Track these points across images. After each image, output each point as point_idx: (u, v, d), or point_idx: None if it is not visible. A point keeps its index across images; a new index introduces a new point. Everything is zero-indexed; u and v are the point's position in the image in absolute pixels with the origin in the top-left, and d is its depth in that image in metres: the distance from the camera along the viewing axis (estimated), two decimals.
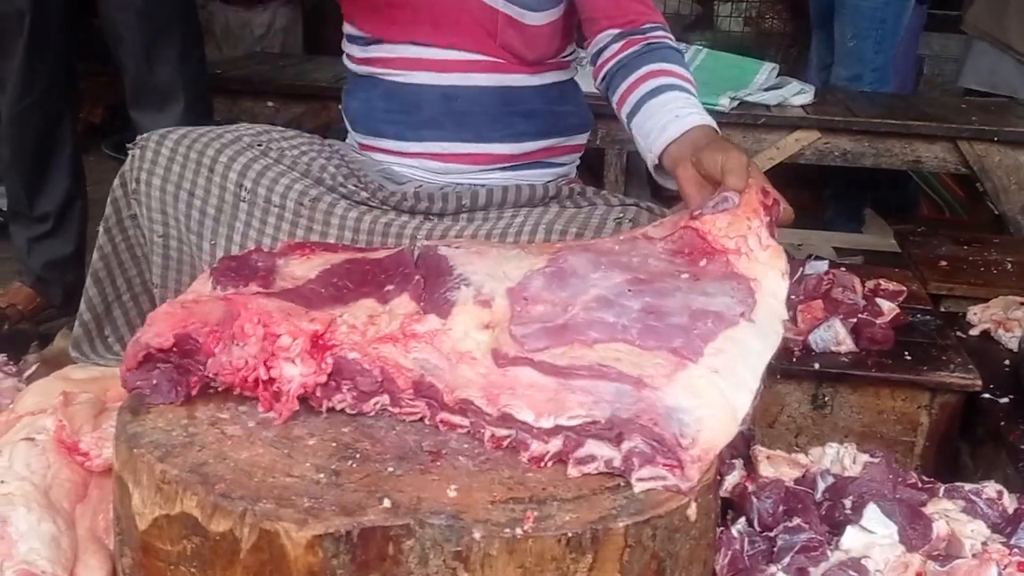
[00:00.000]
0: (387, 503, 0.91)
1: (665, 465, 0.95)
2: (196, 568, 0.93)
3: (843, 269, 2.05)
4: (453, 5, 1.59)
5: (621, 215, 1.53)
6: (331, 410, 1.06)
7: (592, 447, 0.97)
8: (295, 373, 1.03)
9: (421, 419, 1.06)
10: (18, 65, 2.28)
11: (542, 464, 0.99)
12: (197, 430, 1.02)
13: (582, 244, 1.27)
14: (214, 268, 1.20)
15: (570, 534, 0.90)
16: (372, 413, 1.06)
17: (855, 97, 3.21)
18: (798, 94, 2.96)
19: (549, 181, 1.71)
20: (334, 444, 1.01)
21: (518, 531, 0.89)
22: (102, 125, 4.06)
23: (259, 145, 1.62)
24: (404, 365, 1.05)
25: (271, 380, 1.03)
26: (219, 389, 1.07)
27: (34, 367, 1.87)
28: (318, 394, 1.04)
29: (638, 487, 0.95)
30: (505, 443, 1.01)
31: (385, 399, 1.05)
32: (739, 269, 1.13)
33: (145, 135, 1.63)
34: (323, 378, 1.03)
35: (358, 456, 0.99)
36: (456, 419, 1.04)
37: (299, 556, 0.88)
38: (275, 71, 3.28)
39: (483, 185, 1.64)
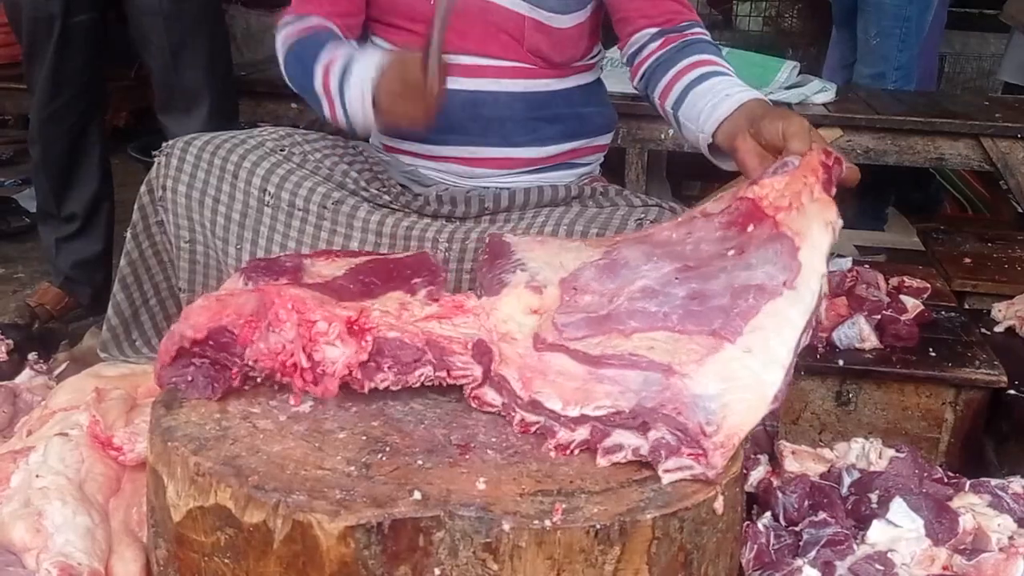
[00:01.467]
0: (417, 495, 0.93)
1: (690, 455, 0.96)
2: (230, 559, 0.95)
3: (867, 266, 2.05)
4: (479, 15, 1.58)
5: (643, 215, 1.53)
6: (373, 391, 1.07)
7: (619, 436, 0.98)
8: (337, 354, 1.04)
9: (461, 389, 1.08)
10: (48, 69, 2.31)
11: (568, 452, 1.00)
12: (230, 424, 1.03)
13: (641, 235, 1.28)
14: (244, 268, 1.22)
15: (598, 526, 0.91)
16: (417, 385, 1.07)
17: (877, 95, 3.19)
18: (820, 92, 2.95)
19: (572, 181, 1.71)
20: (364, 437, 1.02)
21: (547, 523, 0.90)
22: (126, 128, 4.10)
23: (282, 150, 1.64)
24: (454, 336, 1.07)
25: (314, 364, 1.04)
26: (258, 380, 1.09)
27: (64, 365, 1.89)
28: (359, 376, 1.05)
29: (665, 478, 0.96)
30: (533, 429, 1.03)
31: (428, 370, 1.06)
32: (784, 227, 1.13)
33: (170, 143, 1.65)
34: (364, 356, 1.05)
35: (388, 449, 1.01)
36: (490, 396, 1.06)
37: (331, 547, 0.90)
38: None
39: (508, 188, 1.65)
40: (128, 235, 1.70)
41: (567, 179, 1.71)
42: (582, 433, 0.99)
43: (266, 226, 1.60)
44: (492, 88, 1.62)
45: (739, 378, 0.98)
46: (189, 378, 1.07)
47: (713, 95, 1.44)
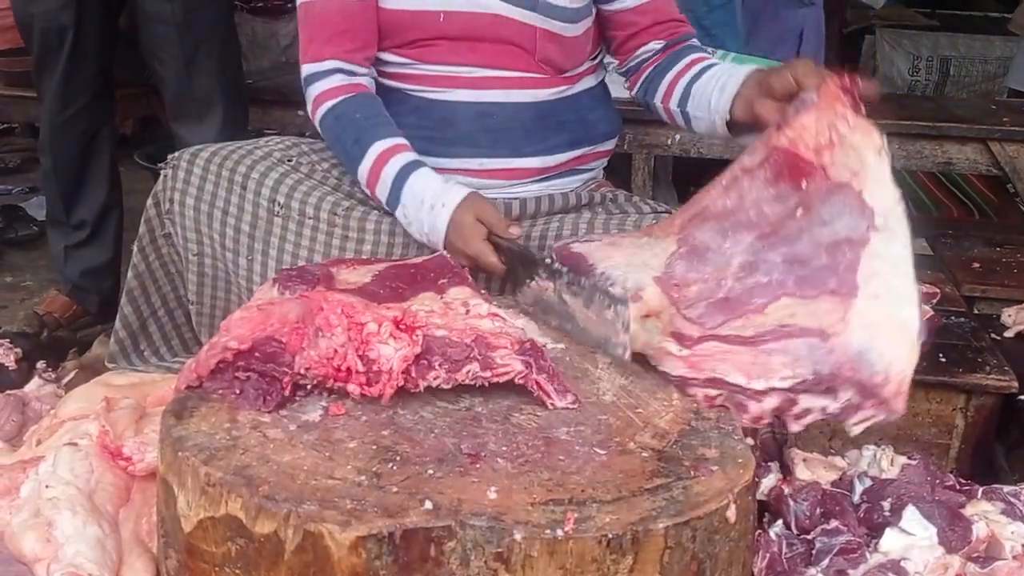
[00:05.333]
0: (428, 505, 0.92)
1: (872, 406, 1.01)
2: (241, 569, 0.95)
3: None
4: (489, 30, 1.57)
5: (653, 223, 1.53)
6: (428, 389, 1.09)
7: (806, 401, 1.03)
8: (391, 352, 1.06)
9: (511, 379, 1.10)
10: (59, 79, 2.32)
11: (760, 423, 1.06)
12: (240, 433, 1.03)
13: (696, 210, 1.29)
14: (276, 277, 1.23)
15: (611, 535, 0.91)
16: (465, 382, 1.09)
17: (885, 99, 3.18)
18: None
19: (578, 188, 1.71)
20: (374, 447, 1.02)
21: (559, 532, 0.90)
22: (132, 137, 4.11)
23: (289, 160, 1.64)
24: (503, 332, 1.11)
25: (368, 365, 1.06)
26: (308, 387, 1.10)
27: (73, 373, 1.90)
28: (413, 374, 1.07)
29: (855, 430, 1.03)
30: (717, 401, 1.09)
31: (476, 367, 1.08)
32: (837, 174, 1.14)
33: (175, 155, 1.65)
34: (418, 349, 1.06)
35: (398, 458, 1.00)
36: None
37: (343, 557, 0.89)
38: None
39: (515, 198, 1.64)
40: (135, 248, 1.70)
41: (573, 185, 1.71)
42: (771, 402, 1.05)
43: (277, 236, 1.60)
44: (500, 99, 1.61)
45: (882, 325, 1.03)
46: (238, 390, 1.07)
47: (716, 80, 1.52)
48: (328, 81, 1.58)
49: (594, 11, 1.64)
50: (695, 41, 1.67)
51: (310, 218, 1.59)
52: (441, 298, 1.19)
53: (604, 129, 1.75)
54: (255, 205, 1.59)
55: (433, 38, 1.58)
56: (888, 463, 1.31)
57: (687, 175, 3.69)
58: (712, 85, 1.52)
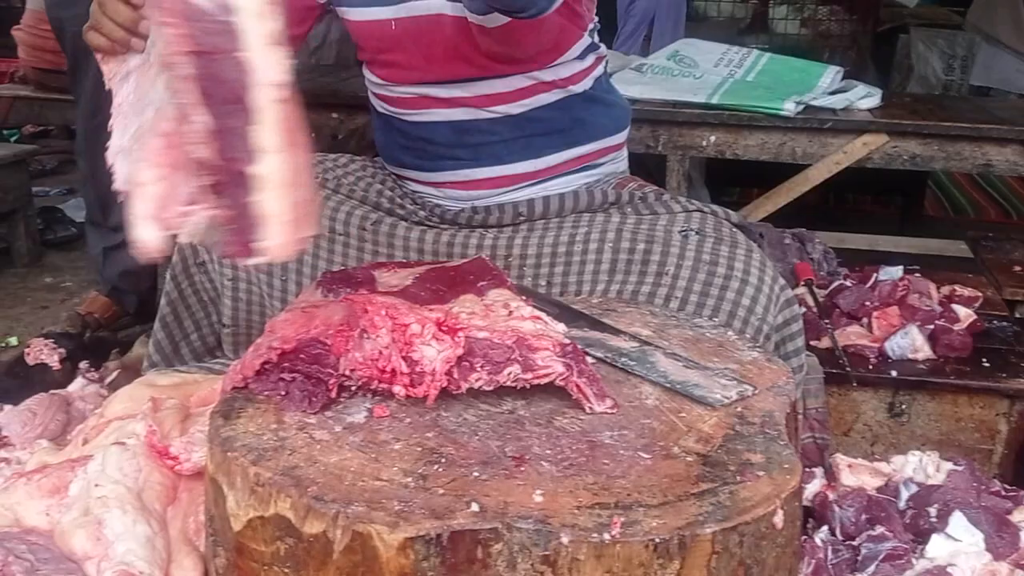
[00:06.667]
0: (475, 507, 0.92)
1: None
2: (290, 569, 0.95)
3: (918, 275, 2.02)
4: (436, 32, 1.55)
5: (685, 224, 1.52)
6: (470, 392, 1.10)
7: None
8: (434, 353, 1.06)
9: (552, 382, 1.10)
10: (92, 82, 2.35)
11: None
12: (287, 434, 1.04)
13: None
14: (319, 280, 1.24)
15: (658, 540, 0.90)
16: (507, 383, 1.10)
17: (923, 100, 3.16)
18: (865, 97, 2.92)
19: (595, 184, 1.69)
20: (419, 449, 1.02)
21: (606, 536, 0.90)
22: None
23: (315, 177, 1.65)
24: (545, 334, 1.11)
25: (413, 364, 1.07)
26: (352, 389, 1.10)
27: (115, 373, 1.92)
28: (455, 376, 1.07)
29: None
30: None
31: (516, 369, 1.08)
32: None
33: None
34: (460, 351, 1.07)
35: (443, 460, 1.00)
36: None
37: (391, 558, 0.90)
38: (338, 83, 3.33)
39: (511, 203, 1.63)
40: (167, 276, 1.70)
41: (579, 183, 1.68)
42: None
43: (310, 254, 1.61)
44: (474, 116, 1.60)
45: None
46: (284, 391, 1.08)
47: None
48: None
49: None
50: None
51: (341, 234, 1.60)
52: (481, 300, 1.19)
53: (604, 125, 1.71)
54: None
55: (390, 48, 1.60)
56: (934, 469, 1.30)
57: (720, 176, 3.68)
58: None
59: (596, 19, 1.71)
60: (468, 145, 1.61)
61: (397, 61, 1.61)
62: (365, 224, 1.60)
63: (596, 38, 1.71)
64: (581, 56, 1.66)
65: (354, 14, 1.61)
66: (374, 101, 1.73)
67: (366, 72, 1.72)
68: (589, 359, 1.15)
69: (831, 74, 3.00)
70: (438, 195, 1.68)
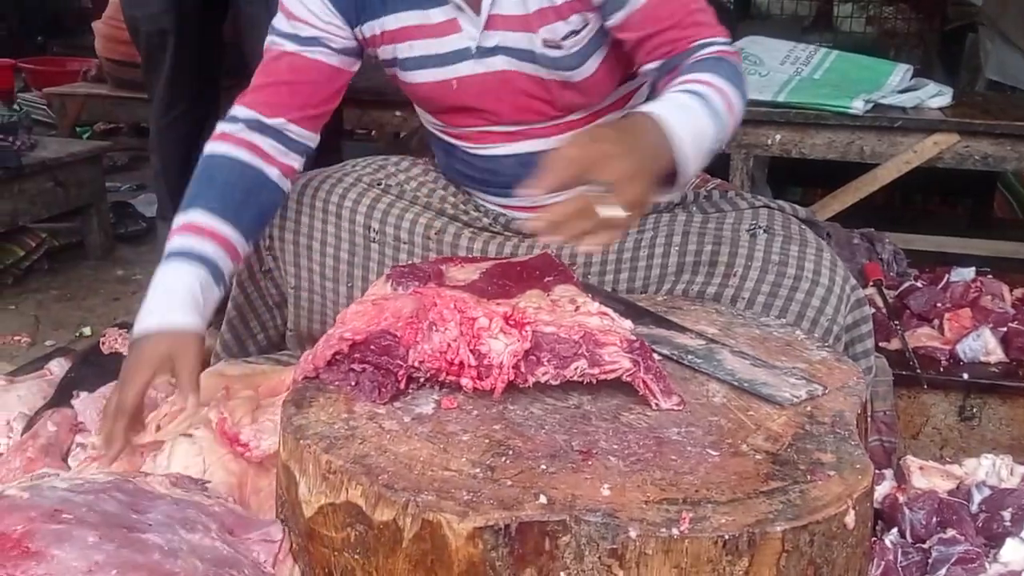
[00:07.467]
0: (543, 499, 0.93)
1: None
2: (359, 555, 0.97)
3: (990, 276, 1.98)
4: (503, 88, 1.49)
5: (753, 222, 1.50)
6: (536, 386, 1.10)
7: None
8: (501, 346, 1.07)
9: (618, 378, 1.10)
10: (164, 81, 2.41)
11: None
12: (357, 424, 1.06)
13: None
14: (389, 274, 1.26)
15: (727, 536, 0.90)
16: (573, 378, 1.10)
17: (995, 99, 3.08)
18: (935, 96, 2.86)
19: None
20: (487, 441, 1.03)
21: (674, 531, 0.90)
22: None
23: (379, 184, 1.64)
24: (612, 329, 1.11)
25: (480, 357, 1.08)
26: (420, 380, 1.12)
27: None
28: (522, 369, 1.08)
29: None
30: None
31: (583, 364, 1.09)
32: None
33: None
34: (527, 345, 1.08)
35: (511, 453, 1.01)
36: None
37: (460, 547, 0.91)
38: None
39: None
40: (234, 282, 1.68)
41: None
42: None
43: (375, 261, 1.61)
44: (540, 148, 1.51)
45: None
46: (354, 381, 1.11)
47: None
48: (222, 125, 1.52)
49: (606, 42, 1.46)
50: (703, 54, 1.36)
51: (405, 243, 1.60)
52: (548, 295, 1.20)
53: None
54: (351, 233, 1.60)
55: (454, 105, 1.54)
56: (1007, 472, 1.27)
57: (783, 175, 3.64)
58: None
59: None
60: (534, 175, 1.58)
61: (459, 111, 1.55)
62: (429, 232, 1.60)
63: None
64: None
65: (410, 77, 1.53)
66: (436, 134, 1.65)
67: (418, 108, 1.65)
68: (655, 356, 1.14)
69: (901, 72, 2.94)
70: (505, 213, 1.64)
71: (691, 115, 1.23)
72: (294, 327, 1.72)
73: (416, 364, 1.10)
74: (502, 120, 1.53)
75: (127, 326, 2.15)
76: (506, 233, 1.62)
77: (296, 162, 1.53)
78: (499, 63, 1.47)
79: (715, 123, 1.25)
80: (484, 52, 1.46)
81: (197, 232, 1.40)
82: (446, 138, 1.63)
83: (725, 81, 1.30)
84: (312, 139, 1.54)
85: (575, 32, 1.42)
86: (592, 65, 1.46)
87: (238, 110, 1.51)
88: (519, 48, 1.45)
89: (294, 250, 1.64)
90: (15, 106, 3.92)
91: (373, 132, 3.72)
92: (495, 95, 1.50)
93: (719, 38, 1.39)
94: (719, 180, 1.69)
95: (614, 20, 1.40)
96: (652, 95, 1.44)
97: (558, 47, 1.43)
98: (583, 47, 1.44)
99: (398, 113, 3.15)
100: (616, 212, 1.08)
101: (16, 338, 2.45)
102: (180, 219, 1.43)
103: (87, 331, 2.51)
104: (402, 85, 1.57)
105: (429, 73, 1.50)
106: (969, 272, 1.92)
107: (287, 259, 1.65)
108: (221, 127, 1.51)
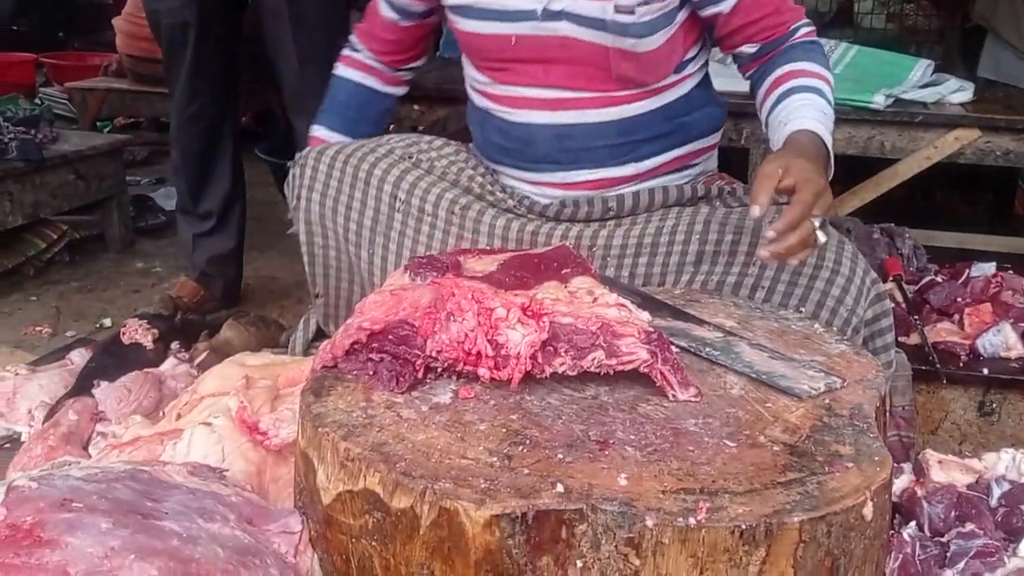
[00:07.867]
0: (560, 488, 0.93)
1: None
2: (377, 541, 0.98)
3: (1011, 271, 1.96)
4: (561, 52, 1.54)
5: (776, 215, 1.50)
6: (553, 377, 1.11)
7: None
8: (519, 337, 1.08)
9: (636, 369, 1.11)
10: (186, 74, 2.42)
11: None
12: (375, 412, 1.06)
13: None
14: (407, 265, 1.26)
15: (744, 526, 0.90)
16: (590, 369, 1.10)
17: (1016, 94, 3.05)
18: (957, 91, 2.83)
19: (687, 182, 1.68)
20: (504, 430, 1.04)
21: (691, 521, 0.90)
22: (247, 129, 4.24)
23: (410, 157, 1.68)
24: (629, 320, 1.11)
25: (498, 347, 1.08)
26: (438, 370, 1.13)
27: (204, 354, 1.98)
28: (539, 360, 1.09)
29: None
30: None
31: (601, 355, 1.09)
32: None
33: (302, 153, 1.71)
34: (545, 335, 1.08)
35: (528, 442, 1.02)
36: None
37: (477, 534, 0.91)
38: (419, 75, 3.36)
39: (601, 198, 1.61)
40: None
41: (673, 183, 1.67)
42: None
43: (396, 231, 1.65)
44: (577, 120, 1.58)
45: None
46: (372, 371, 1.11)
47: (782, 116, 1.48)
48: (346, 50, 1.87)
49: (679, 18, 1.56)
50: (800, 36, 1.56)
51: (428, 215, 1.63)
52: (565, 287, 1.20)
53: (703, 127, 1.70)
54: (377, 200, 1.64)
55: (508, 60, 1.59)
56: None
57: None
58: (779, 119, 1.48)
59: None
60: (569, 150, 1.60)
61: (511, 68, 1.60)
62: (454, 208, 1.62)
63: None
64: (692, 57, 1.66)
65: (469, 26, 1.59)
66: (472, 94, 1.71)
67: (467, 66, 1.70)
68: (673, 348, 1.14)
69: (922, 67, 2.92)
70: (534, 192, 1.67)
71: (827, 117, 1.46)
72: (322, 290, 1.77)
73: (434, 354, 1.11)
74: (550, 82, 1.57)
75: (146, 317, 2.18)
76: (529, 216, 1.63)
77: (405, 74, 1.89)
78: (563, 28, 1.52)
79: (832, 111, 1.48)
80: (549, 15, 1.52)
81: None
82: (485, 103, 1.67)
83: (824, 68, 1.52)
84: (419, 58, 1.88)
85: (647, 1, 1.49)
86: (658, 39, 1.53)
87: (354, 39, 1.86)
88: (589, 16, 1.50)
89: (319, 211, 1.69)
90: (37, 100, 3.95)
91: (391, 126, 3.73)
92: (551, 57, 1.55)
93: (804, 20, 1.57)
94: (744, 184, 1.70)
95: (724, 5, 1.53)
96: (755, 73, 1.58)
97: (631, 12, 1.49)
98: (654, 18, 1.51)
99: (416, 107, 3.15)
100: (825, 237, 1.31)
101: (38, 328, 2.47)
102: (312, 130, 1.84)
103: (107, 322, 2.53)
104: (459, 34, 1.64)
105: (490, 25, 1.57)
106: (989, 267, 1.91)
107: (312, 219, 1.70)
108: (345, 51, 1.87)
